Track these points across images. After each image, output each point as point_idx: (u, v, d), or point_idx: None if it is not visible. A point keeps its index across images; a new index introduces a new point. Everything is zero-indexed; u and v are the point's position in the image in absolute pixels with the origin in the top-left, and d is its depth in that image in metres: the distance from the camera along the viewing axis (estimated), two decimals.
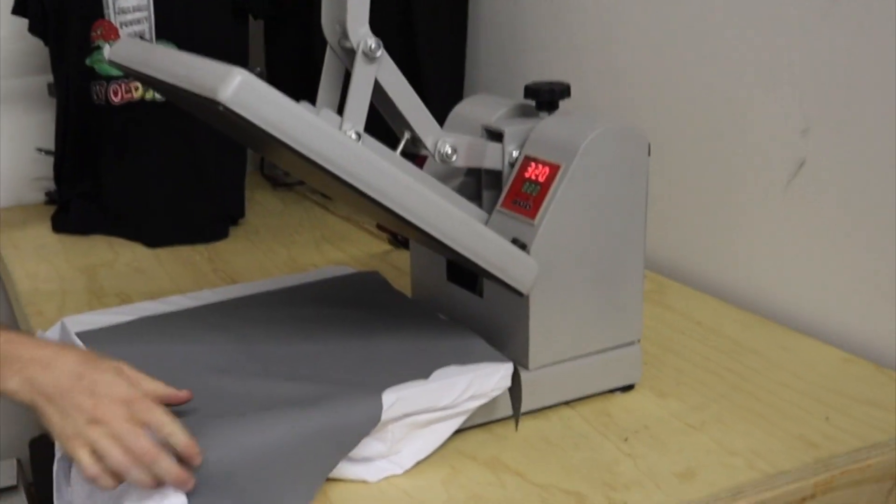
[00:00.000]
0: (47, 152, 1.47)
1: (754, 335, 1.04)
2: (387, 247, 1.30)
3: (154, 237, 1.32)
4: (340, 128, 0.78)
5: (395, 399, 0.74)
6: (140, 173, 1.34)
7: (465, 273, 0.92)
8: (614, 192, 0.85)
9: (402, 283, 1.14)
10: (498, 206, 0.86)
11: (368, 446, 0.75)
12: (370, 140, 0.80)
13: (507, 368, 0.80)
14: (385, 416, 0.74)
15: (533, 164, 0.85)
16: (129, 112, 1.32)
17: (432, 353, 0.82)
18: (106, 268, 1.26)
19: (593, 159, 0.82)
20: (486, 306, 0.89)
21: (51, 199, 1.51)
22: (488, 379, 0.79)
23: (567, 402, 0.89)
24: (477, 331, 0.90)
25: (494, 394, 0.80)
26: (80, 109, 1.34)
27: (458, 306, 0.93)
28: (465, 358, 0.81)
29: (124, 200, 1.35)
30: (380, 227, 1.35)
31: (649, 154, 0.86)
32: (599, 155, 0.83)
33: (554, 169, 0.82)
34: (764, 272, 1.12)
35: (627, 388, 0.92)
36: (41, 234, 1.40)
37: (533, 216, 0.82)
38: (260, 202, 1.55)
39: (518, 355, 0.86)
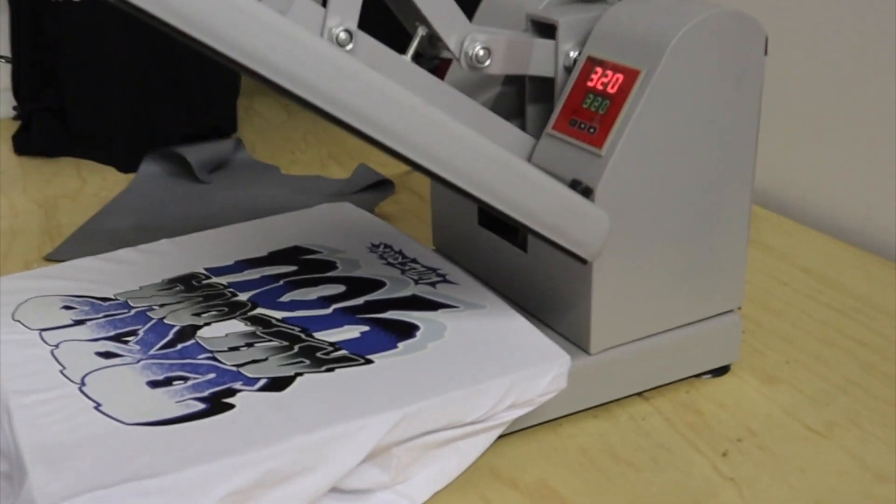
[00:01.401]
0: (6, 59, 1.24)
1: (885, 289, 0.80)
2: (406, 167, 1.06)
3: (126, 160, 1.09)
4: (324, 25, 0.54)
5: (399, 417, 0.52)
6: (107, 83, 1.10)
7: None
8: (716, 107, 0.60)
9: (421, 218, 0.91)
10: (548, 128, 0.62)
11: (364, 474, 0.53)
12: (368, 42, 0.56)
13: (561, 365, 0.57)
14: (386, 439, 0.52)
15: (599, 69, 0.60)
16: (91, 7, 1.08)
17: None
18: (69, 200, 1.04)
19: (687, 61, 0.58)
20: (531, 264, 0.65)
21: (18, 114, 1.28)
22: (535, 382, 0.56)
23: (640, 392, 0.66)
24: (518, 297, 0.67)
25: (544, 399, 0.57)
26: (34, 2, 1.10)
27: (492, 263, 0.69)
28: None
29: (90, 116, 1.12)
30: None
31: (766, 52, 0.60)
32: (696, 55, 0.58)
33: (630, 76, 0.58)
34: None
35: (721, 370, 0.69)
36: (2, 156, 1.18)
37: (599, 144, 0.58)
38: (259, 113, 1.31)
39: (575, 334, 0.62)
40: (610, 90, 0.59)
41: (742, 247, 0.65)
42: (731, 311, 0.67)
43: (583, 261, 0.54)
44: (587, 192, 0.54)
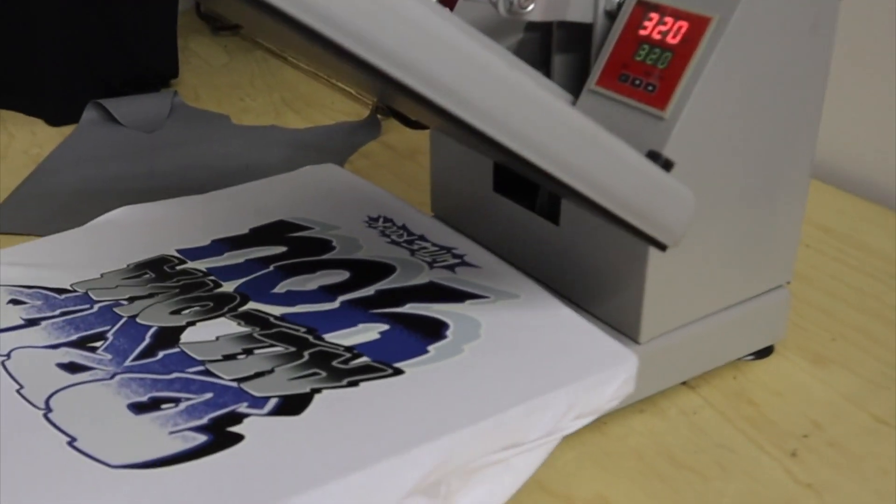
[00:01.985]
0: None
1: None
2: (367, 113, 0.95)
3: (56, 112, 0.96)
4: None
5: (449, 447, 0.43)
6: (29, 22, 0.96)
7: (525, 182, 0.59)
8: (788, 60, 0.52)
9: (398, 174, 0.81)
10: (591, 84, 0.53)
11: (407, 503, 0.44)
12: None
13: (629, 368, 0.49)
14: (434, 473, 0.43)
15: (654, 15, 0.51)
16: None
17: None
18: None
19: (763, 6, 0.49)
20: (565, 239, 0.57)
21: None
22: (601, 390, 0.48)
23: (685, 381, 0.59)
24: (546, 278, 0.58)
25: (610, 406, 0.49)
26: None
27: (512, 237, 0.60)
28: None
29: (12, 61, 0.98)
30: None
31: None
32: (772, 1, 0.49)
33: (697, 24, 0.49)
34: None
35: (765, 351, 0.62)
36: None
37: (662, 105, 0.49)
38: (197, 53, 1.18)
39: (621, 320, 0.54)
40: (671, 40, 0.50)
41: (800, 214, 0.58)
42: (781, 285, 0.60)
43: (662, 247, 0.46)
44: (668, 166, 0.45)
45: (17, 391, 0.46)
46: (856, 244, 0.75)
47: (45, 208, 0.76)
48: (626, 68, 0.51)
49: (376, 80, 0.37)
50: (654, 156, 0.45)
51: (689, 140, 0.48)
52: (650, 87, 0.50)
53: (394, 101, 0.59)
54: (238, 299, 0.55)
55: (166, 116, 0.94)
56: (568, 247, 0.56)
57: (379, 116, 0.94)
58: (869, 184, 0.86)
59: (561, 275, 0.58)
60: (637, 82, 0.50)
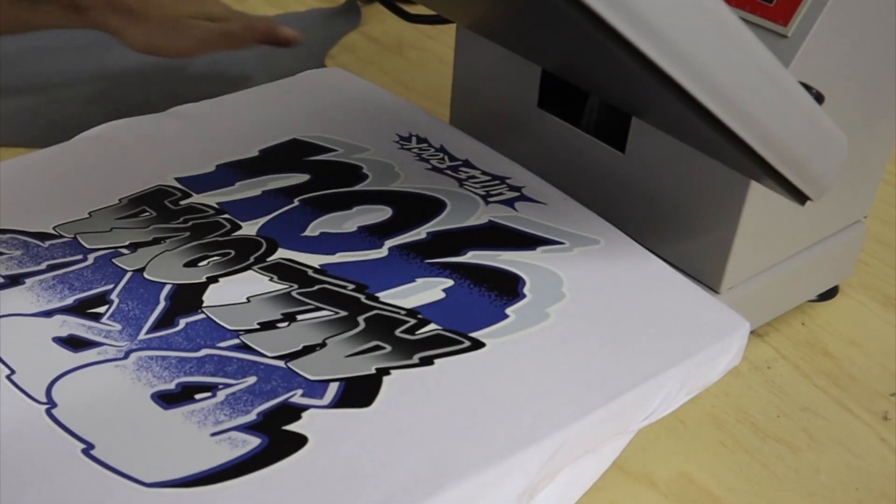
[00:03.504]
0: None
1: None
2: None
3: None
4: None
5: (558, 445, 0.35)
6: None
7: (576, 96, 0.51)
8: None
9: (388, 72, 0.72)
10: None
11: None
12: None
13: (742, 337, 0.41)
14: (540, 473, 0.35)
15: None
16: None
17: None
18: None
19: None
20: (630, 170, 0.48)
21: None
22: (715, 363, 0.40)
23: (753, 330, 0.52)
24: (605, 213, 0.50)
25: (718, 377, 0.42)
26: None
27: (558, 164, 0.52)
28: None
29: None
30: None
31: None
32: None
33: None
34: None
35: (829, 293, 0.55)
36: None
37: (784, 20, 0.40)
38: None
39: (701, 266, 0.47)
40: None
41: (890, 146, 0.51)
42: (859, 220, 0.53)
43: (804, 201, 0.38)
44: (819, 100, 0.37)
45: (8, 377, 0.36)
46: None
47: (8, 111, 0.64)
48: None
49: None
50: (805, 88, 0.36)
51: (814, 65, 0.40)
52: None
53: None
54: (264, 246, 0.45)
55: None
56: (634, 178, 0.48)
57: (358, 2, 0.83)
58: None
59: (622, 210, 0.50)
60: None
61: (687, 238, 0.47)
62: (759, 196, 0.44)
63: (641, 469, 0.44)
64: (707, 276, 0.47)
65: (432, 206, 0.48)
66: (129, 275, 0.42)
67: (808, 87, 0.36)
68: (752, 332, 0.51)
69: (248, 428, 0.35)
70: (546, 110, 0.52)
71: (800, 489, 0.43)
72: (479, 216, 0.47)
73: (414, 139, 0.53)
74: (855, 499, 0.43)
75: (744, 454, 0.45)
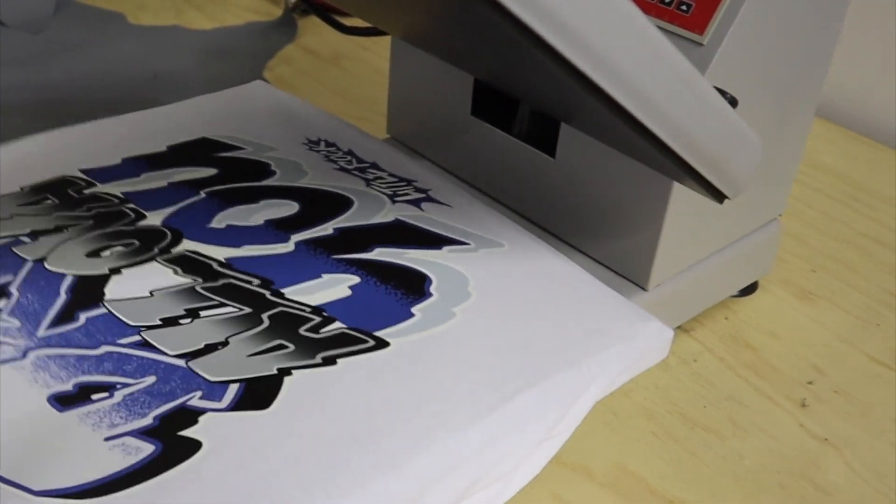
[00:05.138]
0: None
1: (884, 174, 0.72)
2: (280, 12, 0.85)
3: None
4: None
5: (454, 448, 0.36)
6: None
7: (507, 103, 0.53)
8: None
9: (324, 83, 0.74)
10: None
11: None
12: None
13: (649, 333, 0.42)
14: (428, 485, 0.36)
15: None
16: None
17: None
18: None
19: None
20: (560, 174, 0.51)
21: None
22: (623, 360, 0.41)
23: (679, 326, 0.55)
24: (535, 216, 0.53)
25: (632, 374, 0.43)
26: None
27: (493, 169, 0.54)
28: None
29: None
30: None
31: None
32: None
33: None
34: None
35: (749, 289, 0.58)
36: None
37: (700, 29, 0.43)
38: None
39: (628, 266, 0.49)
40: None
41: (801, 145, 0.54)
42: (775, 218, 0.56)
43: (722, 199, 0.40)
44: (734, 104, 0.39)
45: None
46: (813, 164, 0.72)
47: None
48: None
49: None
50: (719, 93, 0.39)
51: (729, 71, 0.43)
52: (684, 8, 0.43)
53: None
54: (169, 236, 0.45)
55: (51, 14, 0.81)
56: (565, 182, 0.51)
57: (294, 16, 0.84)
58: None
59: (553, 212, 0.52)
60: (668, 1, 0.44)
61: (615, 238, 0.49)
62: (682, 197, 0.46)
63: (578, 460, 0.46)
64: (635, 274, 0.49)
65: (339, 203, 0.48)
66: (29, 265, 0.42)
67: (722, 92, 0.39)
68: (679, 328, 0.54)
69: (142, 433, 0.35)
70: (479, 118, 0.54)
71: (726, 474, 0.46)
72: (386, 214, 0.48)
73: (323, 143, 0.54)
74: (777, 482, 0.46)
75: (674, 443, 0.47)
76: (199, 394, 0.36)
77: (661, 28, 0.44)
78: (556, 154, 0.50)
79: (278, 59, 0.79)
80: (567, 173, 0.50)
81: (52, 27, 0.79)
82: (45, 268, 0.42)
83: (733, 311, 0.57)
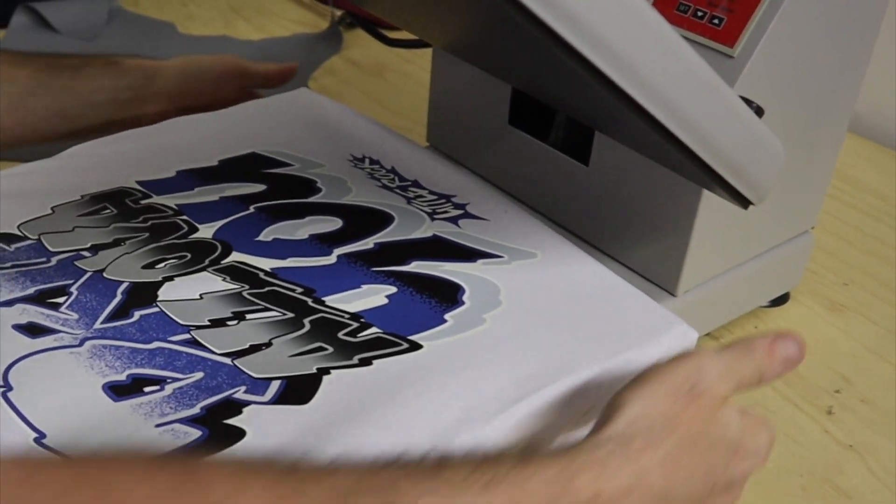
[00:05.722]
0: None
1: None
2: (326, 24, 0.88)
3: None
4: None
5: (480, 439, 0.38)
6: None
7: (543, 113, 0.54)
8: (851, 9, 0.48)
9: (368, 93, 0.75)
10: None
11: None
12: None
13: (675, 335, 0.44)
14: None
15: None
16: None
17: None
18: None
19: None
20: (594, 181, 0.52)
21: None
22: (649, 359, 0.42)
23: (708, 333, 0.56)
24: (569, 222, 0.54)
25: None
26: None
27: (529, 176, 0.56)
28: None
29: None
30: None
31: None
32: None
33: None
34: None
35: (780, 299, 0.59)
36: None
37: (731, 41, 0.44)
38: None
39: (658, 272, 0.51)
40: None
41: (834, 157, 0.55)
42: (807, 230, 0.57)
43: (746, 205, 0.42)
44: (759, 114, 0.41)
45: None
46: (855, 183, 0.73)
47: None
48: None
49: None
50: (745, 102, 0.40)
51: (758, 83, 0.44)
52: (716, 21, 0.45)
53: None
54: (219, 249, 0.47)
55: (104, 23, 0.84)
56: (598, 189, 0.52)
57: (340, 28, 0.87)
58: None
59: (586, 219, 0.53)
60: (701, 14, 0.46)
61: (646, 244, 0.51)
62: (711, 205, 0.47)
63: None
64: (664, 280, 0.51)
65: (381, 220, 0.51)
66: (88, 274, 0.44)
67: (748, 102, 0.40)
68: (707, 335, 0.55)
69: (190, 421, 0.37)
70: (516, 127, 0.56)
71: (750, 477, 0.47)
72: (425, 230, 0.50)
73: (367, 160, 0.56)
74: (799, 484, 0.47)
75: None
76: (243, 388, 0.39)
77: (693, 41, 0.45)
78: (590, 162, 0.52)
79: (323, 69, 0.82)
80: (600, 181, 0.52)
81: (105, 35, 0.83)
82: (104, 276, 0.44)
83: (763, 320, 0.58)
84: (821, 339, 0.57)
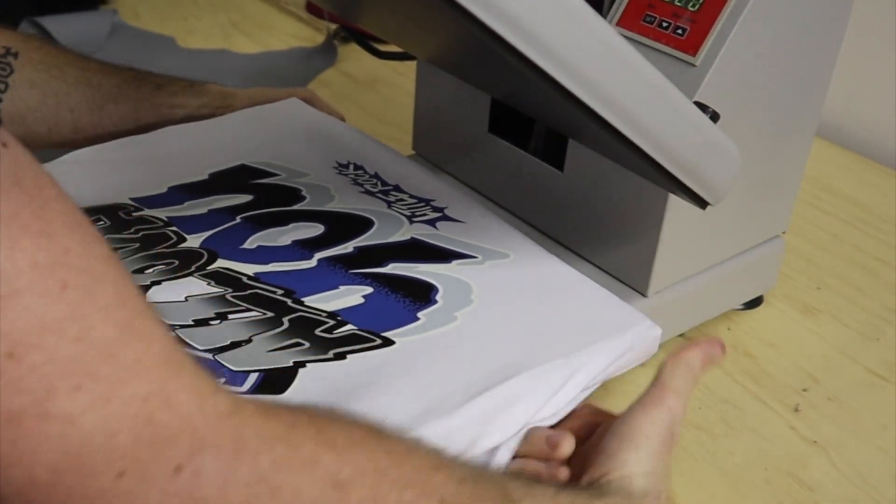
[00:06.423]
0: None
1: (884, 197, 0.74)
2: (322, 38, 0.90)
3: None
4: None
5: (445, 432, 0.40)
6: None
7: (520, 121, 0.57)
8: (815, 11, 0.50)
9: (360, 104, 0.78)
10: (611, 24, 0.50)
11: None
12: None
13: (638, 331, 0.46)
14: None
15: None
16: None
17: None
18: None
19: None
20: (568, 186, 0.54)
21: None
22: (612, 354, 0.45)
23: (682, 334, 0.57)
24: (545, 226, 0.56)
25: (620, 368, 0.46)
26: None
27: (507, 182, 0.58)
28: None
29: None
30: (310, 7, 0.95)
31: None
32: None
33: None
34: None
35: (754, 302, 0.61)
36: None
37: (693, 50, 0.46)
38: None
39: (629, 273, 0.53)
40: None
41: (802, 163, 0.57)
42: (778, 235, 0.59)
43: (704, 205, 0.44)
44: (715, 119, 0.43)
45: None
46: (828, 189, 0.75)
47: None
48: (653, 8, 0.48)
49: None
50: (700, 107, 0.42)
51: (719, 90, 0.46)
52: (680, 31, 0.47)
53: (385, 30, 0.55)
54: (206, 256, 0.49)
55: (106, 37, 0.87)
56: (572, 194, 0.54)
57: (335, 42, 0.89)
58: (833, 128, 0.85)
59: (561, 223, 0.55)
60: (665, 25, 0.48)
61: (617, 246, 0.53)
62: (678, 208, 0.49)
63: None
64: (635, 281, 0.52)
65: (361, 224, 0.53)
66: None
67: (703, 107, 0.42)
68: (680, 336, 0.57)
69: None
70: (495, 135, 0.58)
71: (714, 469, 0.48)
72: (403, 233, 0.52)
73: (351, 166, 0.59)
74: (763, 478, 0.48)
75: None
76: (222, 380, 0.41)
77: (659, 50, 0.47)
78: (565, 168, 0.54)
79: (318, 81, 0.84)
80: (574, 186, 0.54)
81: (106, 48, 0.85)
82: None
83: (736, 322, 0.59)
84: (792, 340, 0.58)
